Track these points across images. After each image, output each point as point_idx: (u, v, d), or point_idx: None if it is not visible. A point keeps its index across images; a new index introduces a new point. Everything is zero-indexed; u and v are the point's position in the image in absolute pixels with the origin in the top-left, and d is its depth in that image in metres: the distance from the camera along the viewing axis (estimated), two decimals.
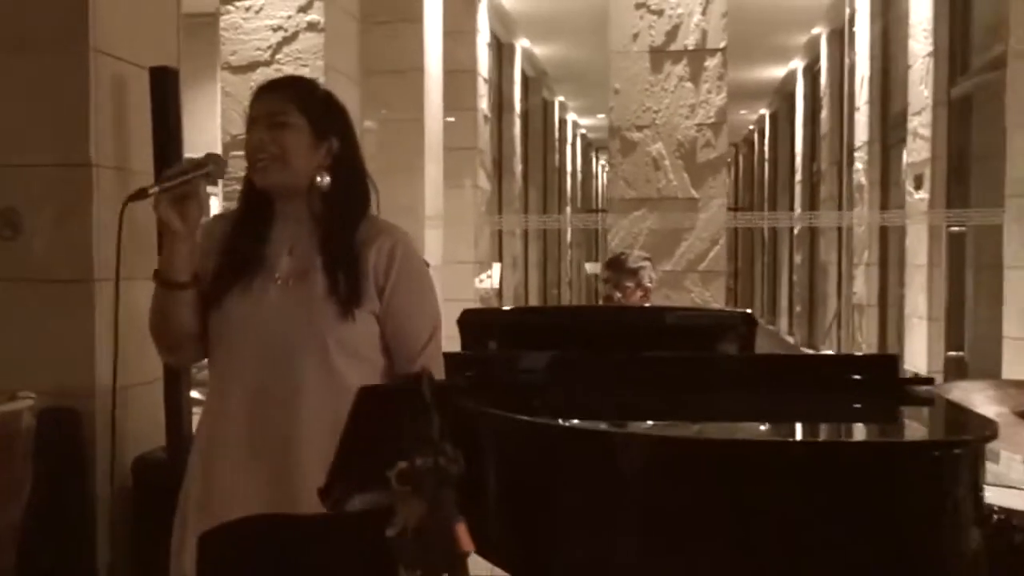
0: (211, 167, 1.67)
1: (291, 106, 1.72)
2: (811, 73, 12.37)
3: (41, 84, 3.06)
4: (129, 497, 3.14)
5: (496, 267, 7.56)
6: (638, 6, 5.00)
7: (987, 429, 1.80)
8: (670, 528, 1.69)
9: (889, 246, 8.24)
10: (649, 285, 3.77)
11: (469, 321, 2.66)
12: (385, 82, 6.47)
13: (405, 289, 1.73)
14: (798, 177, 12.83)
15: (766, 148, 17.15)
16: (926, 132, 6.38)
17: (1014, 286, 4.71)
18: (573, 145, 17.95)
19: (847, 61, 9.57)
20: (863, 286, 8.31)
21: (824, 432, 2.02)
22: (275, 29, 5.09)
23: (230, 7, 5.19)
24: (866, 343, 8.15)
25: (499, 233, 10.57)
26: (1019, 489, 2.44)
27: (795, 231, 12.62)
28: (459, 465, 1.14)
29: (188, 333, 1.73)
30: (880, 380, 2.19)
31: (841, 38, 10.34)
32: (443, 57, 7.40)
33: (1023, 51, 4.67)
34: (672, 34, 5.01)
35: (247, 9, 5.16)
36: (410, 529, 1.12)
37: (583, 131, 18.96)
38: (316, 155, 1.74)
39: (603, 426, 1.84)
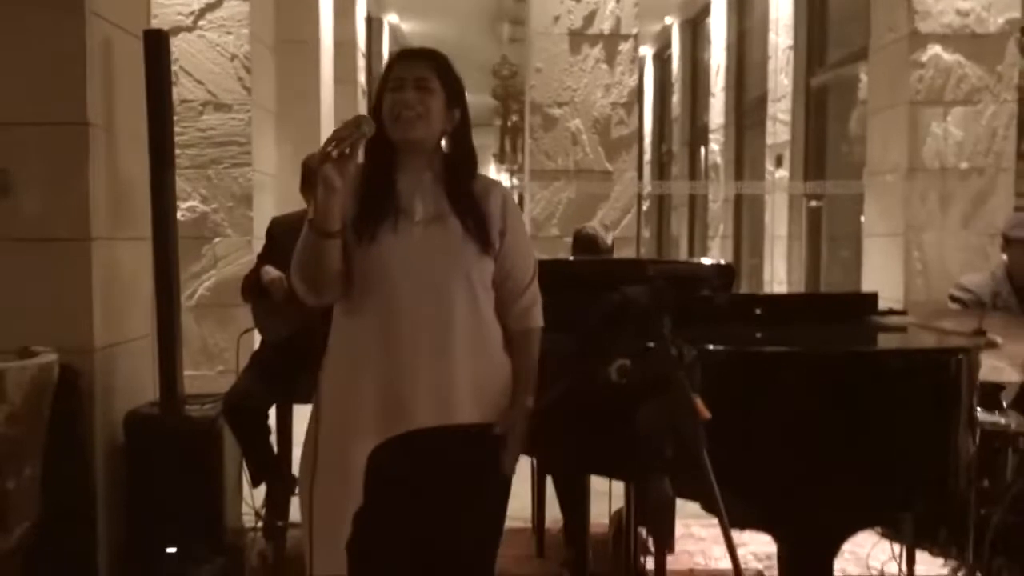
0: (365, 128, 1.84)
1: (434, 75, 1.96)
2: (660, 60, 13.17)
3: (36, 42, 3.05)
4: (121, 449, 3.23)
5: None
6: None
7: (984, 340, 2.25)
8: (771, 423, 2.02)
9: (743, 220, 9.05)
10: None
11: None
12: (287, 51, 6.51)
13: (517, 234, 2.02)
14: (647, 157, 13.64)
15: None
16: (786, 117, 7.12)
17: (871, 251, 5.43)
18: None
19: (702, 50, 10.32)
20: (719, 256, 9.10)
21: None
22: None
23: None
24: None
25: None
26: None
27: (644, 207, 13.43)
28: (690, 352, 1.47)
29: (336, 274, 1.91)
30: (866, 311, 2.69)
31: (693, 29, 11.12)
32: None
33: (881, 47, 5.38)
34: (589, 19, 5.45)
35: None
36: (657, 416, 1.43)
37: None
38: (446, 120, 1.99)
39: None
